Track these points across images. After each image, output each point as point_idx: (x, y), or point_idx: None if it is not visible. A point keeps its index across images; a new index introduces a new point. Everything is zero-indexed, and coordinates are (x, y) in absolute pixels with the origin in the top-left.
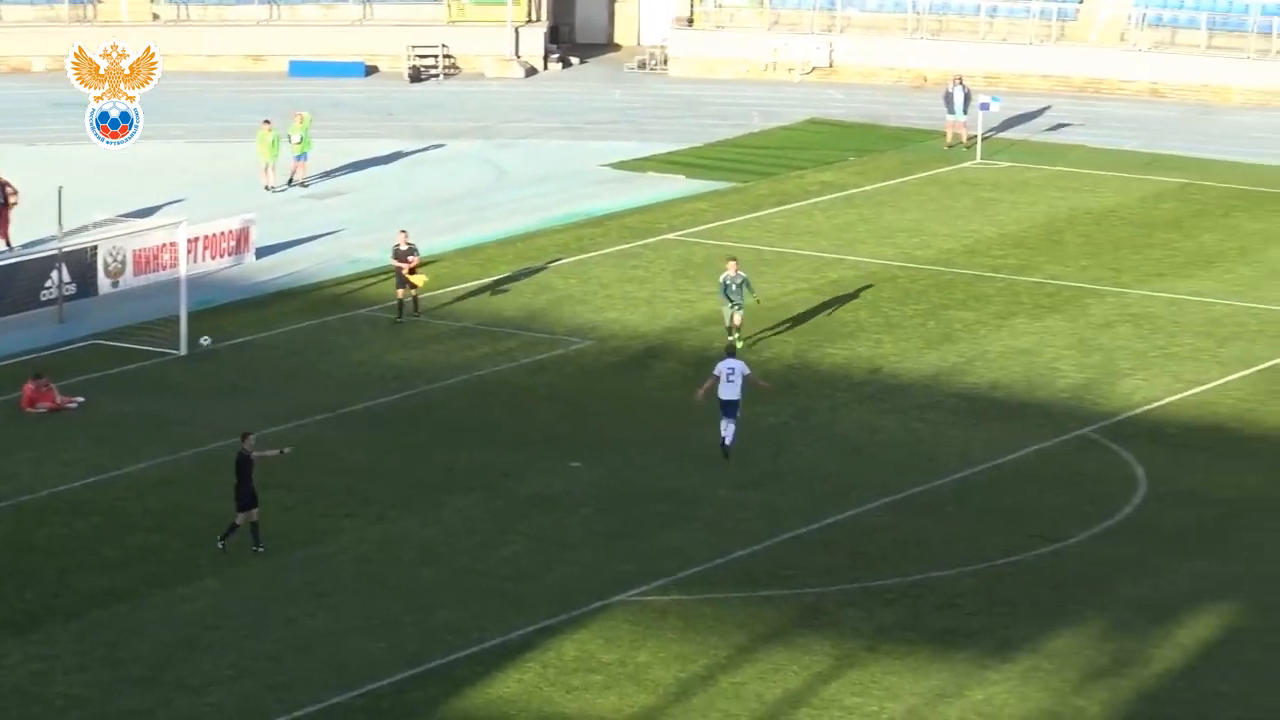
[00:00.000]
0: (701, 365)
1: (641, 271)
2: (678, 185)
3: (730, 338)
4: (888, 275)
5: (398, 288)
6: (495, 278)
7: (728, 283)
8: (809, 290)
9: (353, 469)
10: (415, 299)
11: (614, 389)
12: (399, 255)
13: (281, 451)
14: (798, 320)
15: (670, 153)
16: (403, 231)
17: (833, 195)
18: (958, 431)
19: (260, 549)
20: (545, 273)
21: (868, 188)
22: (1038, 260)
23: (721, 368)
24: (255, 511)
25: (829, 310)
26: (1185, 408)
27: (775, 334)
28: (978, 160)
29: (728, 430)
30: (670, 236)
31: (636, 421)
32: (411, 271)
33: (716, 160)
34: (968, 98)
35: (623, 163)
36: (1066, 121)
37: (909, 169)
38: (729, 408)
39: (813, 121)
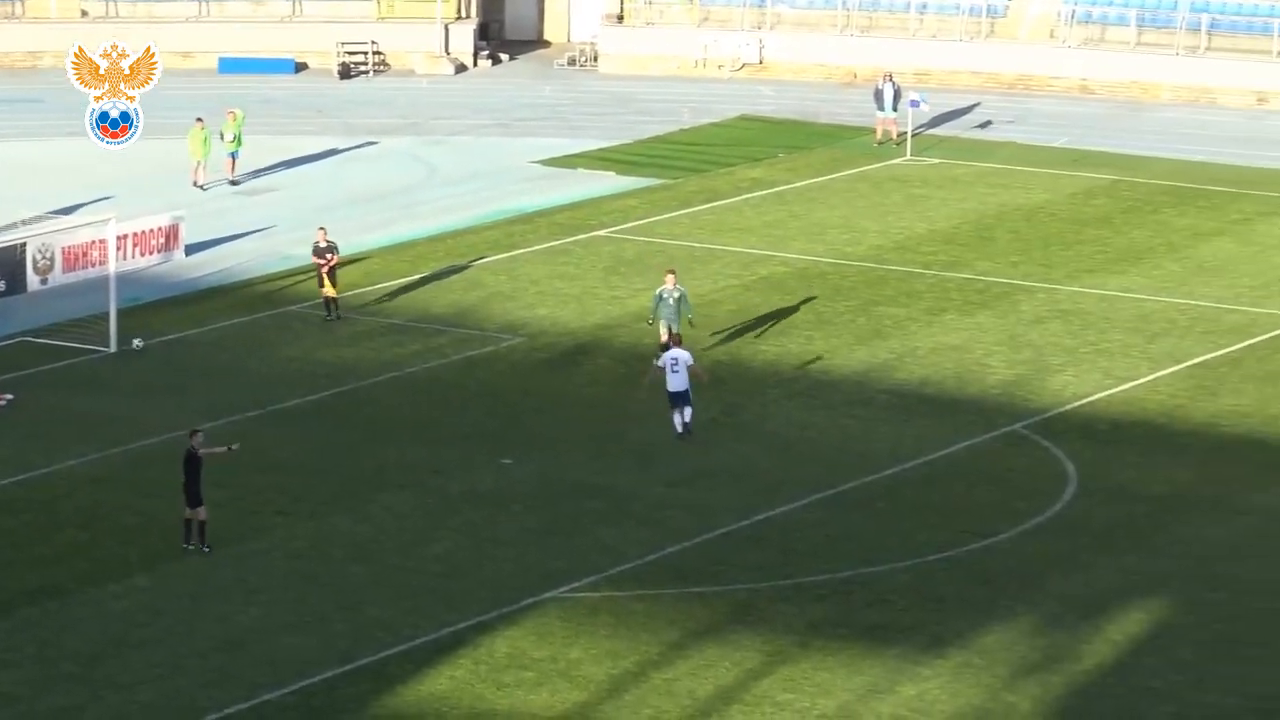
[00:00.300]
0: (633, 362)
1: (572, 268)
2: (608, 182)
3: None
4: (818, 272)
5: (320, 286)
6: (426, 274)
7: (664, 296)
8: (739, 287)
9: (284, 466)
10: (334, 301)
11: (545, 386)
12: (317, 252)
13: (229, 449)
14: (728, 317)
15: (600, 149)
16: (321, 229)
17: (763, 192)
18: (889, 428)
19: (207, 549)
20: (475, 269)
21: (798, 184)
22: (968, 257)
23: (666, 359)
24: (203, 510)
25: (759, 307)
26: (1115, 404)
27: (705, 331)
28: (908, 157)
29: (686, 414)
30: (601, 233)
31: (568, 418)
32: (331, 270)
33: (647, 157)
34: (898, 94)
35: (553, 159)
36: (996, 118)
37: (839, 165)
38: (679, 398)
39: (743, 118)
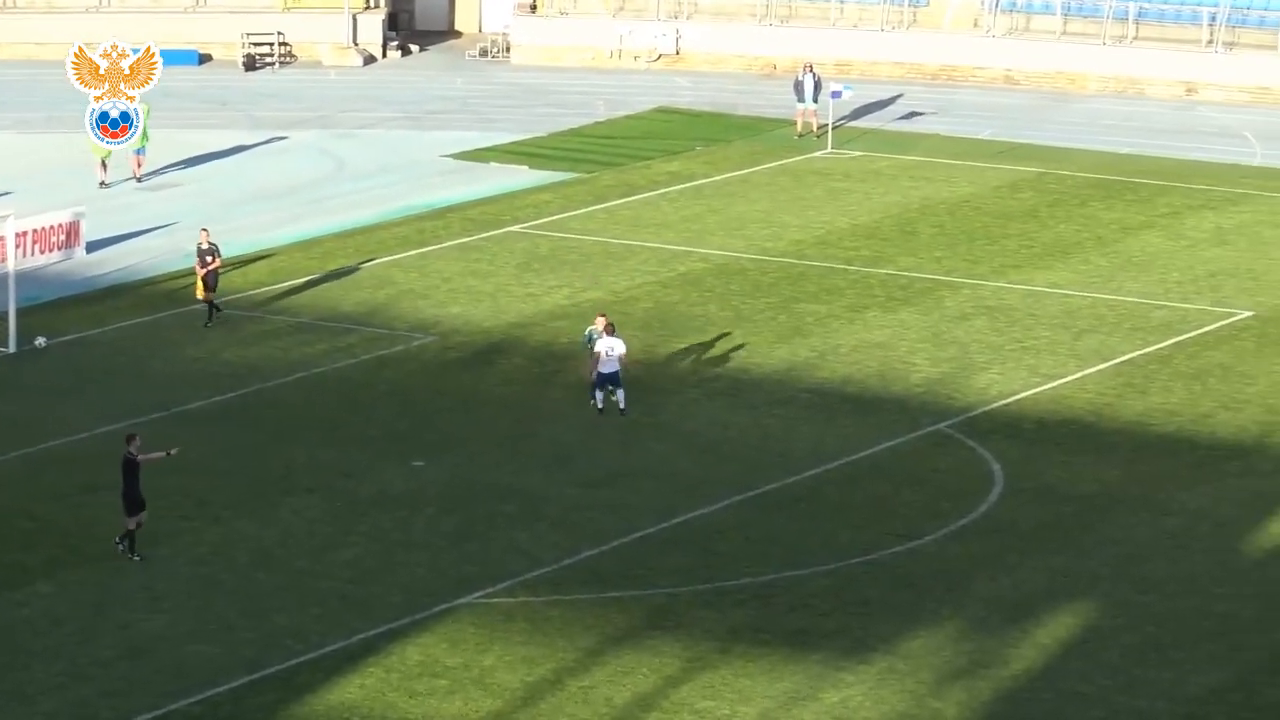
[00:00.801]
0: (547, 361)
1: (485, 265)
2: (521, 176)
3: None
4: (738, 268)
5: (198, 290)
6: (334, 271)
7: (594, 335)
8: (656, 284)
9: (188, 470)
10: (215, 306)
11: (457, 385)
12: (199, 255)
13: (168, 453)
14: (646, 314)
15: (513, 143)
16: (204, 230)
17: (681, 186)
18: (810, 427)
19: (137, 558)
20: (386, 266)
21: (716, 178)
22: (891, 252)
23: (602, 346)
24: (143, 516)
25: (678, 305)
26: (1042, 402)
27: (622, 330)
28: (829, 150)
29: (619, 396)
30: (514, 229)
31: (481, 419)
32: (212, 273)
33: (561, 150)
34: (818, 85)
35: (464, 153)
36: (919, 110)
37: (759, 159)
38: (609, 379)
39: (660, 110)
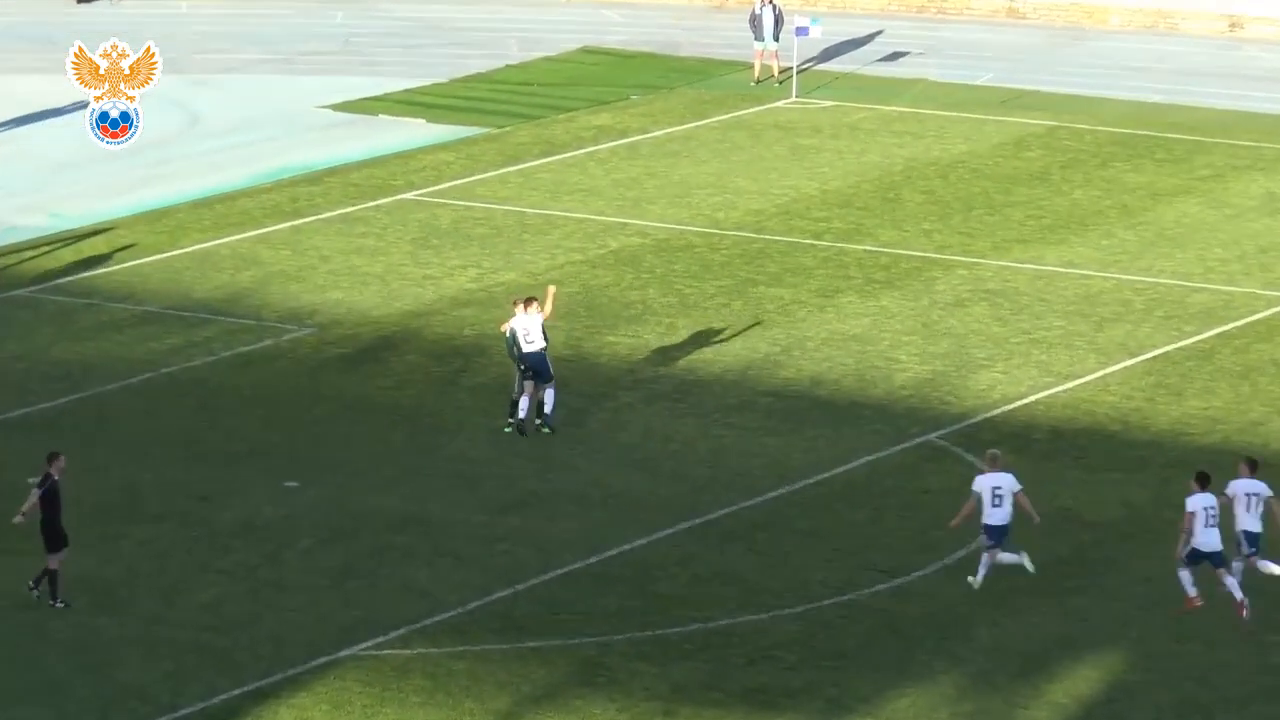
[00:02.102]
0: (450, 358)
1: (373, 241)
2: (417, 131)
3: (516, 418)
4: (682, 243)
5: None
6: (187, 249)
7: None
8: (584, 263)
9: (9, 493)
10: None
11: (339, 389)
12: None
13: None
14: (571, 301)
15: (407, 91)
16: None
17: (612, 143)
18: (773, 439)
19: (61, 604)
20: (250, 243)
21: (656, 133)
22: (870, 224)
23: (511, 326)
24: (65, 554)
25: (609, 288)
26: (1056, 407)
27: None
28: (793, 98)
29: (547, 397)
30: (408, 196)
31: (369, 429)
32: None
33: (466, 100)
34: (779, 20)
35: (347, 103)
36: (904, 50)
37: (707, 110)
38: (537, 374)
39: (586, 51)
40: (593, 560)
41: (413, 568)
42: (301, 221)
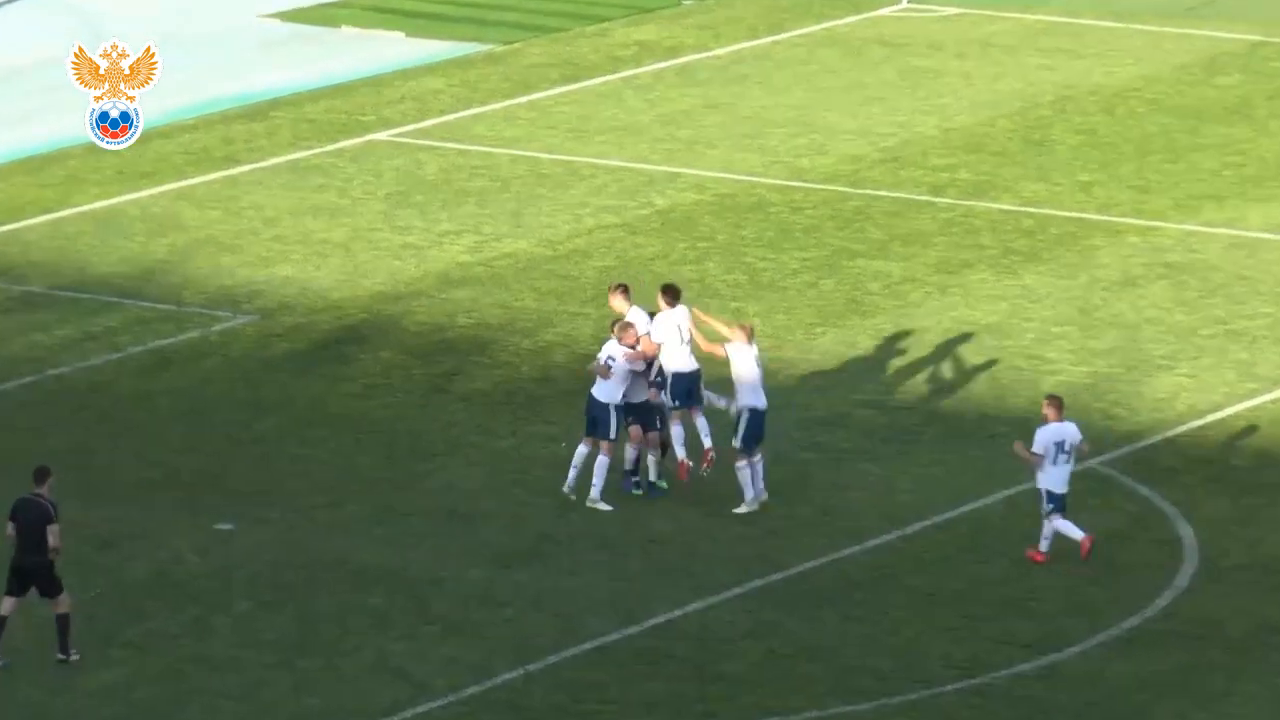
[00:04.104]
0: (438, 355)
1: (334, 197)
2: (393, 49)
3: (648, 479)
4: (753, 201)
5: None
6: (84, 208)
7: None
8: (619, 227)
9: None
10: None
11: (288, 397)
12: None
13: None
14: (603, 278)
15: None
16: None
17: (658, 65)
18: (874, 467)
19: (75, 656)
20: (169, 198)
21: (718, 51)
22: (1008, 174)
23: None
24: (65, 599)
25: (654, 261)
26: (1262, 424)
27: (572, 300)
28: (904, 3)
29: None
30: (381, 137)
31: (328, 452)
32: None
33: (458, 6)
34: None
35: (299, 11)
36: None
37: (786, 20)
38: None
39: None
40: (632, 630)
41: (387, 639)
42: (238, 171)
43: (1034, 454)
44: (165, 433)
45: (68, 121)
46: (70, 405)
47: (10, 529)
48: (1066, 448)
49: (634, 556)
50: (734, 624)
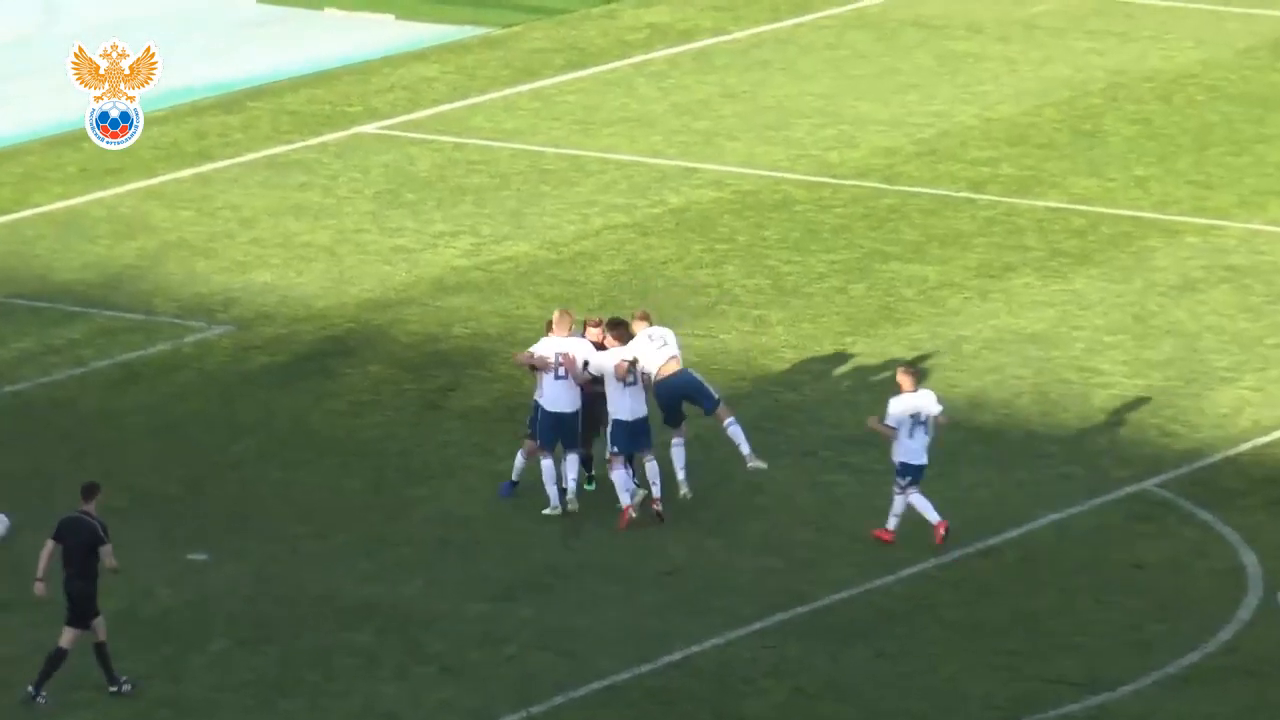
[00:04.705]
0: (432, 369)
1: (317, 196)
2: (382, 33)
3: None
4: (777, 198)
5: None
6: (44, 208)
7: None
8: (630, 227)
9: None
10: None
11: (268, 414)
12: None
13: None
14: (611, 283)
15: None
16: None
17: (673, 49)
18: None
19: (128, 686)
20: (137, 197)
21: (738, 34)
22: (1056, 169)
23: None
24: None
25: (668, 264)
26: None
27: (575, 306)
28: None
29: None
30: (369, 129)
31: (312, 475)
32: None
33: None
34: None
35: None
36: None
37: None
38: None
39: None
40: (645, 669)
41: (377, 680)
42: (211, 167)
43: (887, 426)
44: (134, 454)
45: (23, 116)
46: (29, 424)
47: (48, 550)
48: (923, 419)
49: (647, 589)
50: (756, 661)
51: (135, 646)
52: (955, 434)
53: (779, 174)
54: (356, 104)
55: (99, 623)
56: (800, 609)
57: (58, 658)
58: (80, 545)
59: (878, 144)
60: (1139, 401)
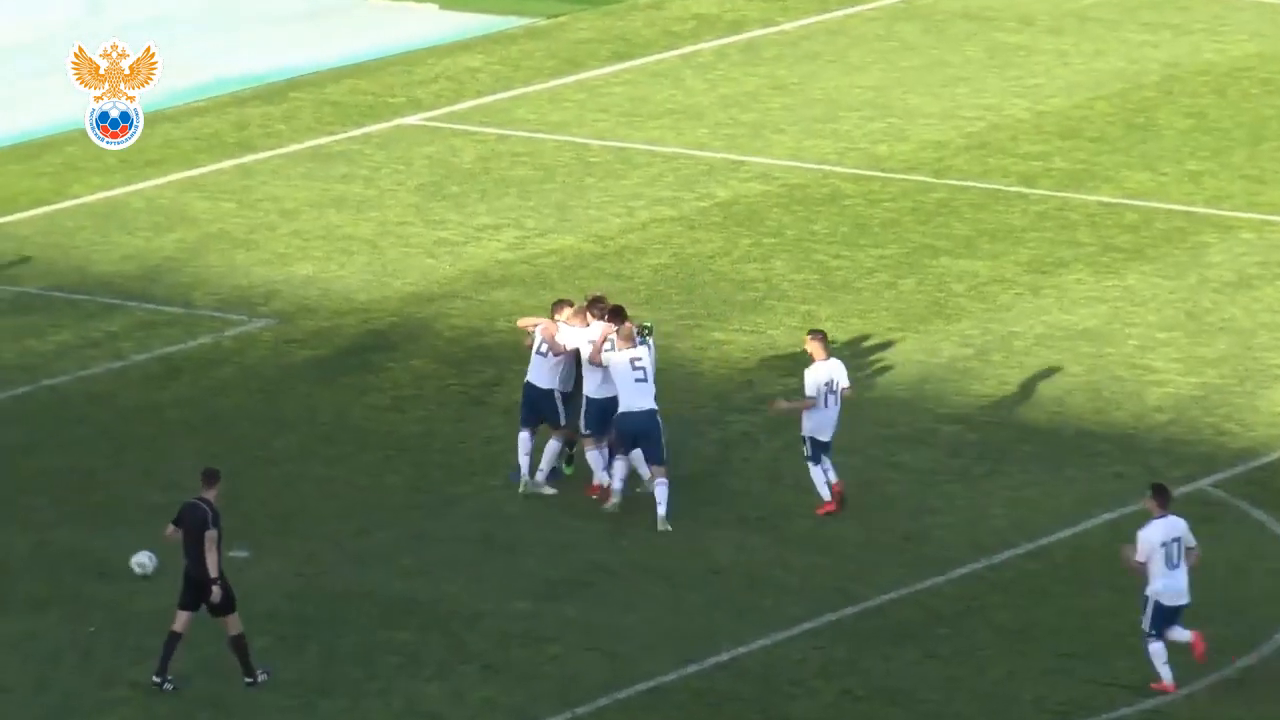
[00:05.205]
0: (474, 365)
1: (359, 188)
2: (425, 23)
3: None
4: (826, 192)
5: None
6: (82, 199)
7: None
8: (676, 220)
9: None
10: None
11: (310, 409)
12: None
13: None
14: (657, 278)
15: None
16: None
17: (718, 41)
18: (961, 488)
19: (263, 675)
20: (177, 189)
21: (786, 26)
22: (1108, 163)
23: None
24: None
25: (715, 259)
26: None
27: (619, 301)
28: None
29: (658, 486)
30: (412, 121)
31: (353, 471)
32: None
33: None
34: None
35: None
36: None
37: None
38: (638, 432)
39: None
40: (690, 670)
41: (419, 680)
42: (253, 158)
43: (806, 399)
44: (173, 450)
45: (63, 107)
46: (67, 419)
47: (169, 532)
48: (835, 388)
49: (694, 588)
50: (804, 663)
51: (283, 643)
52: (1006, 433)
53: (827, 167)
54: (400, 95)
55: (233, 618)
56: (849, 609)
57: (171, 642)
58: (193, 530)
59: (927, 137)
60: (1193, 399)
